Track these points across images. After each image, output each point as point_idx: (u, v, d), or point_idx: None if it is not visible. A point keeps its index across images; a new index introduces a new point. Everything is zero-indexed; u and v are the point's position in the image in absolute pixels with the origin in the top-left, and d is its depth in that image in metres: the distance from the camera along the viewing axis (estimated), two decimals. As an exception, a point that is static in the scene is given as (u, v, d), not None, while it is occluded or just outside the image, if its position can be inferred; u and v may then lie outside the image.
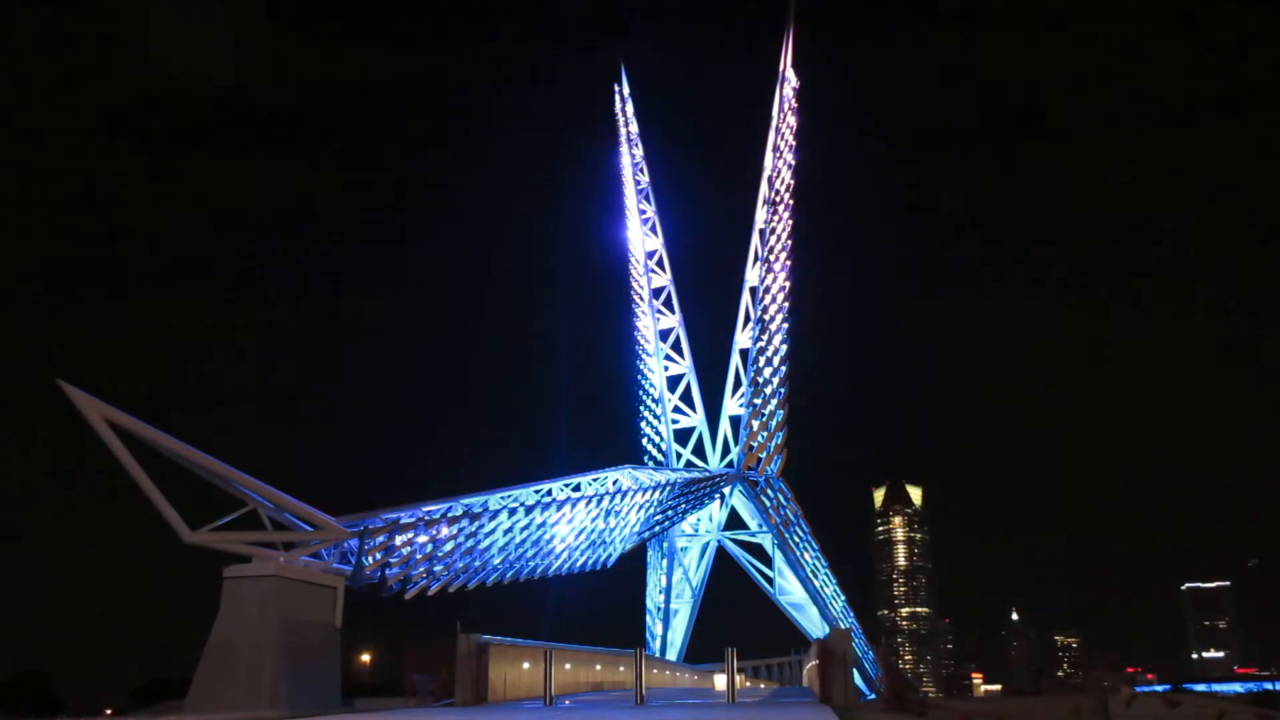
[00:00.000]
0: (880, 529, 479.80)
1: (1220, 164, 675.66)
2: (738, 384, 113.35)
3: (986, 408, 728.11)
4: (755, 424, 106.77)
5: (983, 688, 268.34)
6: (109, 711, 61.66)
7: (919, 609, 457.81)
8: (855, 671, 69.74)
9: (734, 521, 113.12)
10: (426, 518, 52.13)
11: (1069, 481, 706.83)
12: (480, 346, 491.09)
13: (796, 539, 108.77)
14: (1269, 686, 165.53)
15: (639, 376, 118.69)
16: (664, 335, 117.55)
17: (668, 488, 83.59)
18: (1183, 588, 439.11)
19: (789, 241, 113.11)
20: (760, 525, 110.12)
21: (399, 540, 49.67)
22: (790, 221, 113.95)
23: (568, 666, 55.04)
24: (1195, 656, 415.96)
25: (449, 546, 53.81)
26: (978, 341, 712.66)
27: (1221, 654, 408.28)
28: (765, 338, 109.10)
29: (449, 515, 53.75)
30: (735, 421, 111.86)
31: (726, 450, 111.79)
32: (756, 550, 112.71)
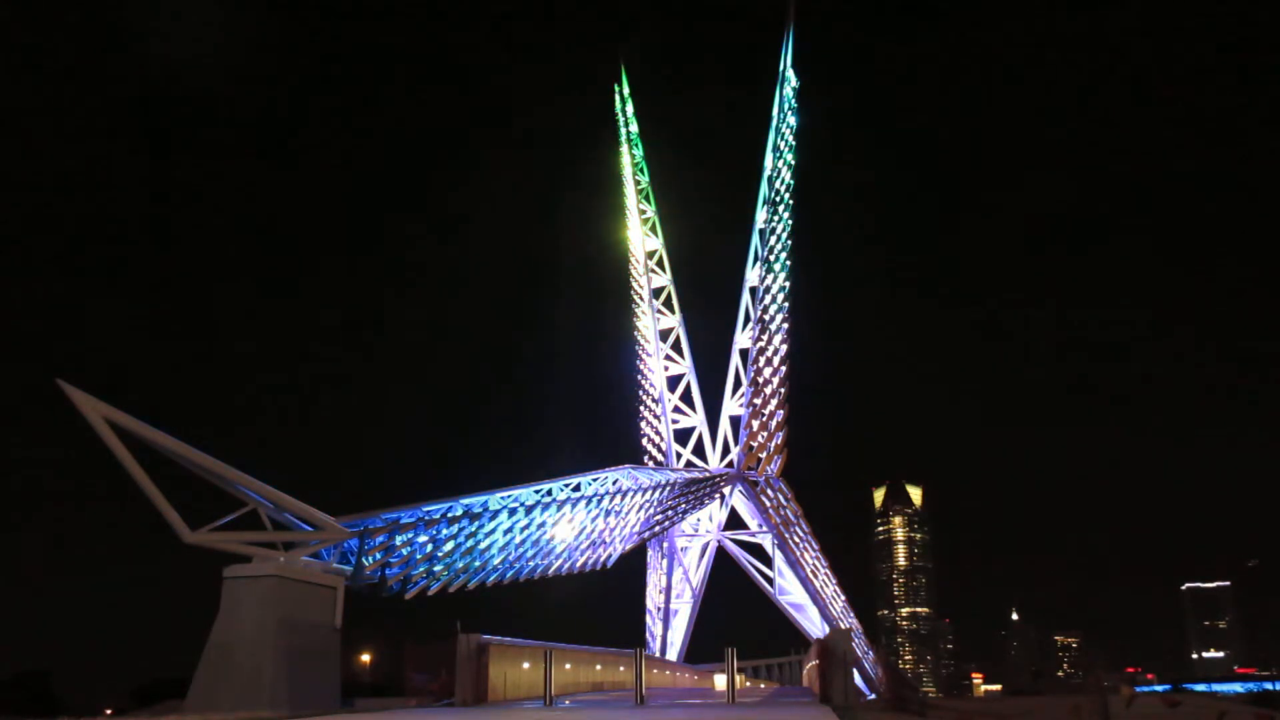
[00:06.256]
0: (880, 529, 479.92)
1: (1220, 162, 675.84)
2: (738, 384, 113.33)
3: (987, 407, 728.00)
4: (755, 424, 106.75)
5: (983, 688, 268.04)
6: (109, 711, 61.65)
7: (919, 609, 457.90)
8: (855, 671, 69.69)
9: (734, 521, 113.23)
10: (426, 518, 52.06)
11: (1069, 481, 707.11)
12: (480, 346, 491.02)
13: (796, 539, 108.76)
14: (1269, 686, 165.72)
15: (639, 376, 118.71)
16: (664, 335, 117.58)
17: (668, 488, 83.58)
18: (1183, 588, 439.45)
19: (789, 241, 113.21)
20: (760, 525, 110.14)
21: (399, 540, 49.63)
22: (790, 221, 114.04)
23: (568, 666, 55.06)
24: (1195, 656, 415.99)
25: (449, 546, 53.78)
26: (978, 341, 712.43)
27: (1221, 654, 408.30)
28: (765, 338, 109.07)
29: (449, 515, 53.69)
30: (735, 421, 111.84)
31: (726, 450, 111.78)
32: (756, 550, 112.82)
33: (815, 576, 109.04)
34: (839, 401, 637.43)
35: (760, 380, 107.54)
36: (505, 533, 57.95)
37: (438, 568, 53.14)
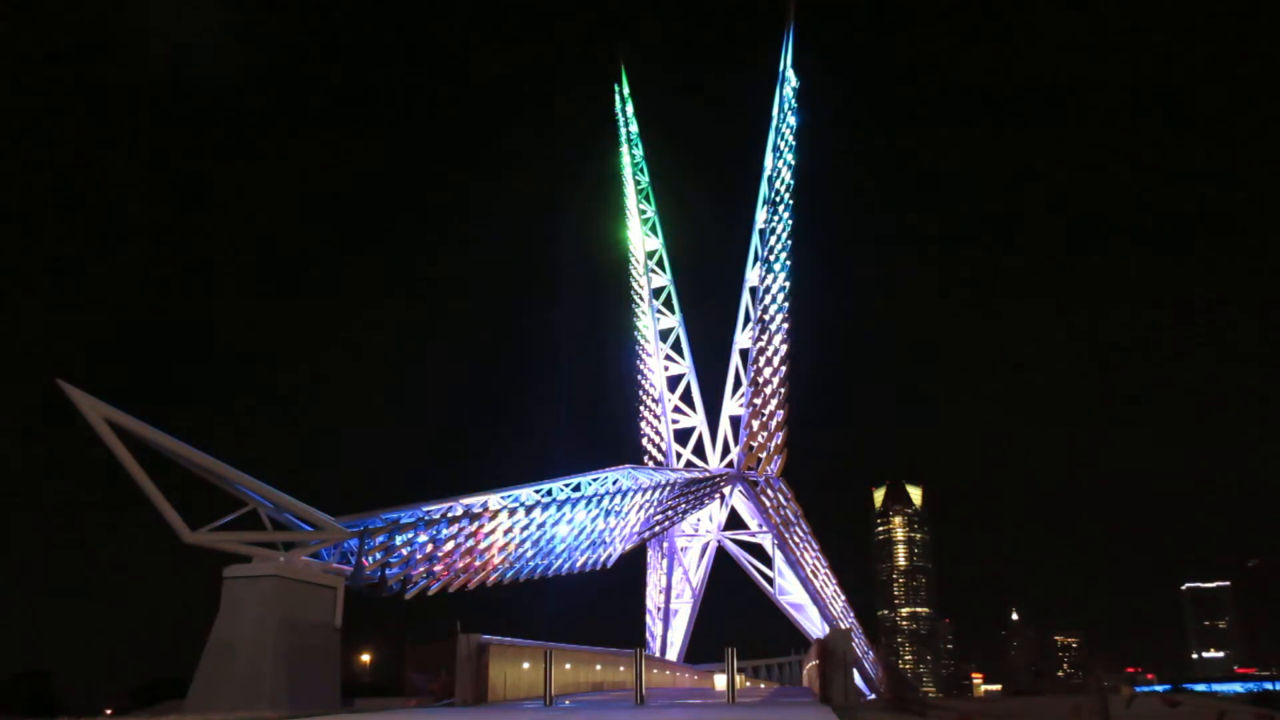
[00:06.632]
0: (880, 529, 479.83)
1: (1217, 161, 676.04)
2: (738, 384, 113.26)
3: (986, 407, 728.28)
4: (755, 424, 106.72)
5: (983, 688, 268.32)
6: (109, 711, 61.59)
7: (919, 609, 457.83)
8: (855, 671, 69.69)
9: (734, 521, 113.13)
10: (426, 518, 52.09)
11: (1069, 481, 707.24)
12: (481, 346, 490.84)
13: (796, 539, 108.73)
14: (1269, 686, 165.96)
15: (639, 376, 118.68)
16: (664, 335, 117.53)
17: (668, 488, 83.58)
18: (1183, 588, 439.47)
19: (789, 241, 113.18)
20: (760, 525, 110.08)
21: (399, 540, 49.65)
22: (790, 221, 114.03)
23: (568, 666, 55.13)
24: (1195, 656, 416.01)
25: (449, 546, 53.80)
26: (978, 341, 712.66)
27: (1221, 654, 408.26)
28: (765, 338, 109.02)
29: (449, 515, 53.71)
30: (735, 421, 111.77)
31: (726, 450, 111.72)
32: (756, 550, 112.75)
33: (815, 576, 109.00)
34: (839, 401, 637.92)
35: (760, 380, 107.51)
36: (505, 533, 57.97)
37: (438, 568, 53.18)
